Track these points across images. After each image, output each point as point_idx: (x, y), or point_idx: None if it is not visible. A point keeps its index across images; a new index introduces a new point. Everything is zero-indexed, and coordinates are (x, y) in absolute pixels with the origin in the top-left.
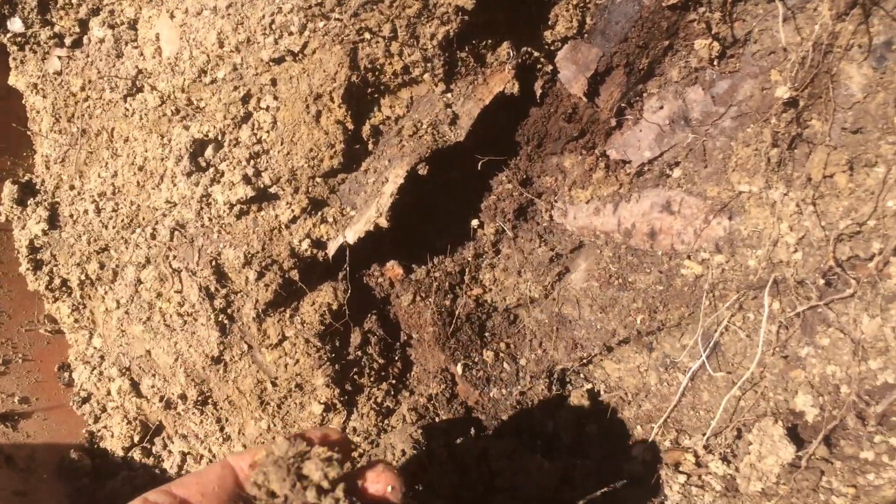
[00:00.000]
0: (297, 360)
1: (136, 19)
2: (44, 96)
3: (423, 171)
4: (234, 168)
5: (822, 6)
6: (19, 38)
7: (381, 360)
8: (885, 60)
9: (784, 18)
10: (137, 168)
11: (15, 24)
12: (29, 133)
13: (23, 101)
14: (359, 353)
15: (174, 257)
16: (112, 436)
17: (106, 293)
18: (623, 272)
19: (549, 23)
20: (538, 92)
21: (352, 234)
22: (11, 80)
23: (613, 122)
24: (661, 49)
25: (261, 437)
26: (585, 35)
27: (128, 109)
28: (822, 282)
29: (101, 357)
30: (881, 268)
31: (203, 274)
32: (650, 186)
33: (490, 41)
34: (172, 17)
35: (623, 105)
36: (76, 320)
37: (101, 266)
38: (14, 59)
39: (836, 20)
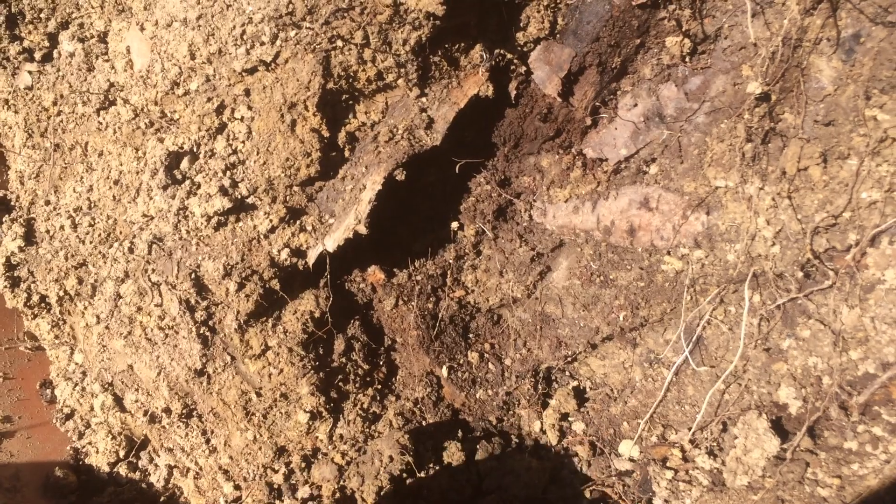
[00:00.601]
0: (282, 370)
1: (105, 32)
2: (15, 112)
3: (400, 176)
4: (211, 179)
5: (790, 1)
6: None
7: (365, 366)
8: (853, 53)
9: (753, 14)
10: (113, 182)
11: None
12: (1, 149)
13: None
14: (343, 359)
15: (153, 271)
16: (97, 451)
17: (86, 308)
18: (604, 269)
19: (521, 25)
20: (513, 93)
21: (331, 242)
22: None
23: (589, 121)
24: (632, 47)
25: (247, 448)
26: (557, 36)
27: (101, 123)
28: (800, 274)
29: (83, 373)
30: (859, 258)
31: (183, 287)
32: (628, 183)
33: (463, 44)
34: (143, 29)
35: (597, 104)
36: (56, 336)
37: (80, 281)
38: None
39: (805, 14)
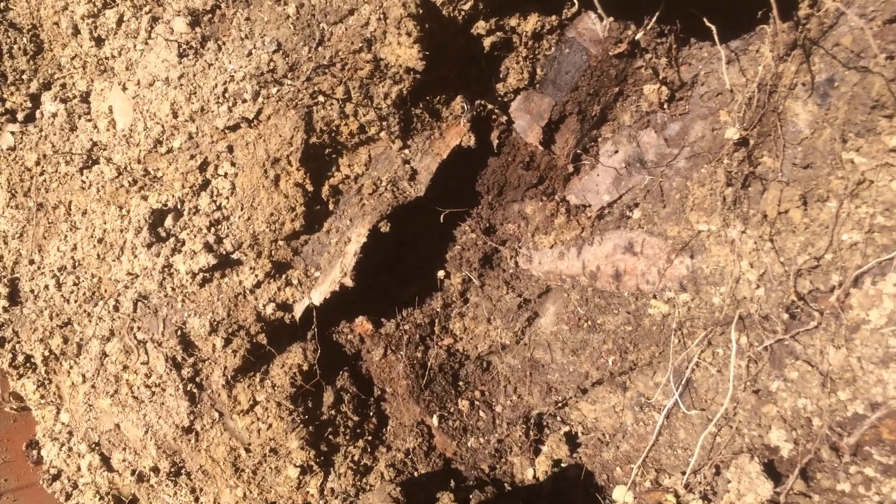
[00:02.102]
0: (270, 425)
1: (88, 92)
2: None
3: (385, 228)
4: (195, 236)
5: (763, 48)
6: None
7: (355, 418)
8: (828, 97)
9: (728, 61)
10: (97, 240)
11: None
12: None
13: None
14: (332, 411)
15: (139, 329)
16: None
17: (71, 368)
18: (591, 314)
19: (501, 76)
20: (495, 142)
21: (318, 296)
22: None
23: (571, 168)
24: (611, 95)
25: None
26: (537, 85)
27: (84, 182)
28: (786, 315)
29: (70, 433)
30: (843, 299)
31: (169, 344)
32: (612, 229)
33: (444, 96)
34: (125, 89)
35: (579, 151)
36: (42, 396)
37: (65, 340)
38: None
39: (779, 61)
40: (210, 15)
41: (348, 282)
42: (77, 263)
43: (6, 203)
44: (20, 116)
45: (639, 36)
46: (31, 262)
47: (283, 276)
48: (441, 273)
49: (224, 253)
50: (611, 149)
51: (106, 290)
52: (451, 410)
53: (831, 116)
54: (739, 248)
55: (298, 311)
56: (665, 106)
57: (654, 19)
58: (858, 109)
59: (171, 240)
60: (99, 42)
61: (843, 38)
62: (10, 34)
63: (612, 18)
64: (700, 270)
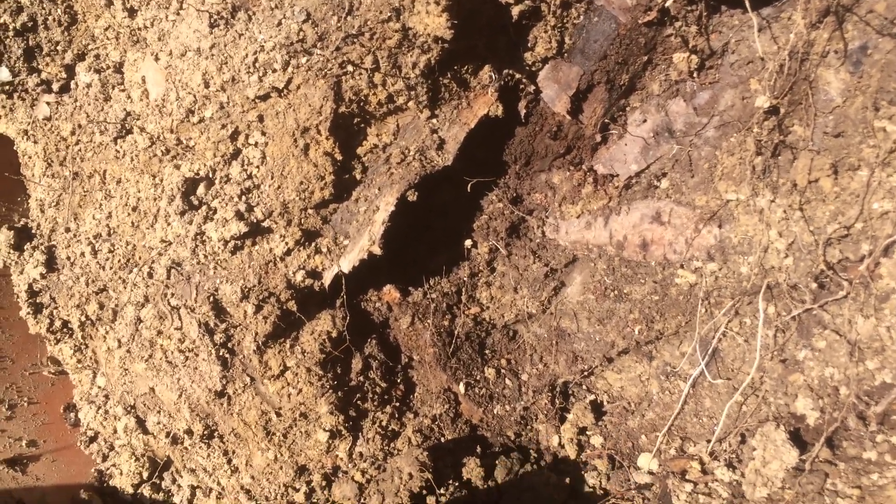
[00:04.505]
0: (300, 390)
1: (121, 63)
2: (35, 142)
3: (412, 197)
4: (227, 205)
5: (795, 15)
6: (7, 87)
7: (383, 384)
8: (861, 65)
9: (759, 28)
10: (131, 209)
11: (2, 73)
12: (22, 179)
13: (14, 148)
14: (361, 378)
15: (172, 295)
16: (121, 474)
17: (107, 333)
18: (618, 284)
19: (529, 45)
20: (522, 112)
21: (346, 263)
22: (1, 128)
23: (599, 138)
24: (640, 64)
25: (268, 467)
26: (565, 55)
27: (118, 151)
28: (814, 285)
29: (106, 396)
30: (872, 269)
31: (202, 310)
32: (639, 198)
33: (472, 66)
34: (157, 59)
35: (607, 120)
36: (79, 361)
37: (101, 306)
38: (3, 106)
39: (811, 28)
40: None
41: (376, 249)
42: (112, 231)
43: (43, 172)
44: (55, 87)
45: (668, 3)
46: (68, 229)
47: (313, 244)
48: (468, 242)
49: (255, 221)
50: (639, 118)
51: (140, 258)
52: (478, 378)
53: (864, 84)
54: (768, 217)
55: (328, 278)
56: (695, 75)
57: None
58: (892, 77)
59: (204, 208)
60: (132, 13)
61: (877, 4)
62: (44, 5)
63: None
64: (728, 240)
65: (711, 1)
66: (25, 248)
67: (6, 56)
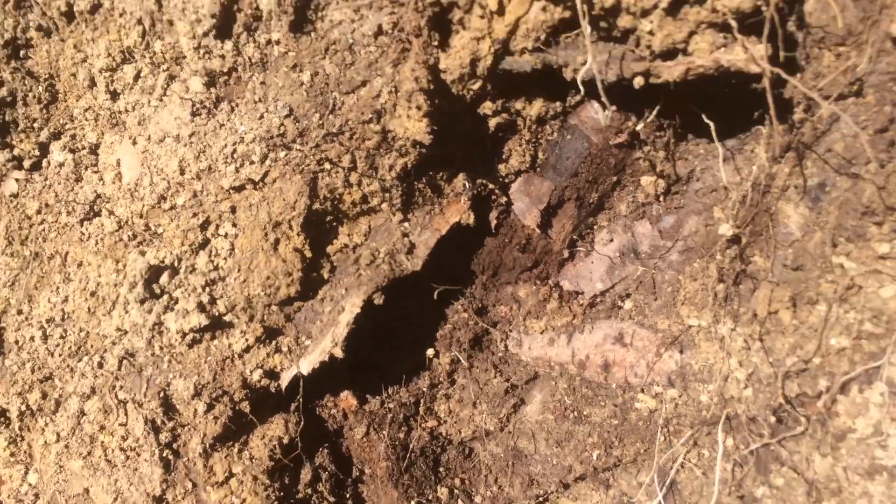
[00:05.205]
0: (244, 500)
1: (97, 144)
2: None
3: (379, 300)
4: (189, 295)
5: (758, 149)
6: None
7: (331, 499)
8: (819, 201)
9: (724, 159)
10: (89, 293)
11: None
12: None
13: None
14: (309, 490)
15: (121, 388)
16: None
17: (46, 425)
18: (578, 405)
19: (504, 157)
20: (493, 222)
21: (306, 365)
22: None
23: (566, 254)
24: (609, 184)
25: None
26: (538, 169)
27: (83, 234)
28: (773, 419)
29: (36, 495)
30: (829, 406)
31: (150, 405)
32: (603, 318)
33: (446, 173)
34: (135, 143)
35: (575, 237)
36: (12, 454)
37: (44, 396)
38: None
39: (773, 162)
40: (226, 76)
41: (338, 352)
42: (66, 316)
43: (1, 251)
44: (27, 164)
45: (639, 127)
46: (20, 311)
47: (274, 343)
48: (430, 351)
49: (217, 314)
50: (606, 237)
51: (92, 346)
52: (430, 498)
53: (822, 220)
54: (729, 345)
55: (285, 379)
56: (661, 198)
57: (654, 112)
58: (849, 215)
59: (165, 297)
60: (114, 96)
61: (836, 144)
62: (26, 82)
63: (614, 108)
64: (689, 366)
65: (679, 129)
66: None
67: None
